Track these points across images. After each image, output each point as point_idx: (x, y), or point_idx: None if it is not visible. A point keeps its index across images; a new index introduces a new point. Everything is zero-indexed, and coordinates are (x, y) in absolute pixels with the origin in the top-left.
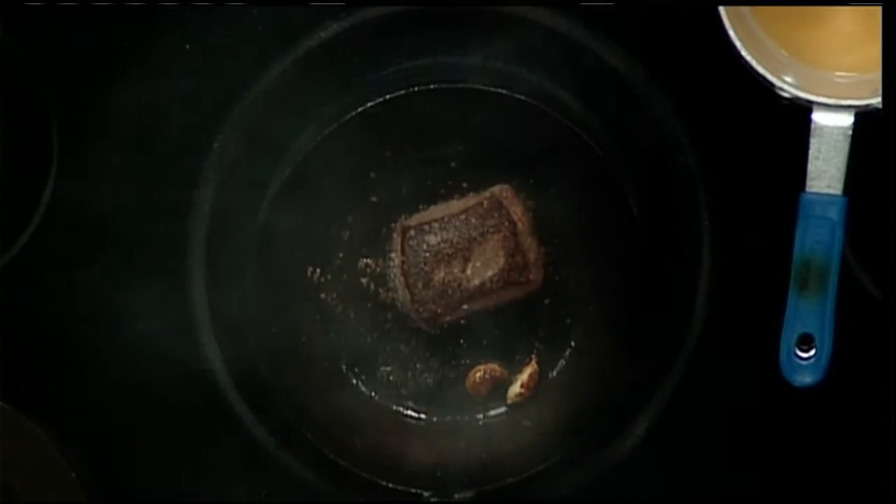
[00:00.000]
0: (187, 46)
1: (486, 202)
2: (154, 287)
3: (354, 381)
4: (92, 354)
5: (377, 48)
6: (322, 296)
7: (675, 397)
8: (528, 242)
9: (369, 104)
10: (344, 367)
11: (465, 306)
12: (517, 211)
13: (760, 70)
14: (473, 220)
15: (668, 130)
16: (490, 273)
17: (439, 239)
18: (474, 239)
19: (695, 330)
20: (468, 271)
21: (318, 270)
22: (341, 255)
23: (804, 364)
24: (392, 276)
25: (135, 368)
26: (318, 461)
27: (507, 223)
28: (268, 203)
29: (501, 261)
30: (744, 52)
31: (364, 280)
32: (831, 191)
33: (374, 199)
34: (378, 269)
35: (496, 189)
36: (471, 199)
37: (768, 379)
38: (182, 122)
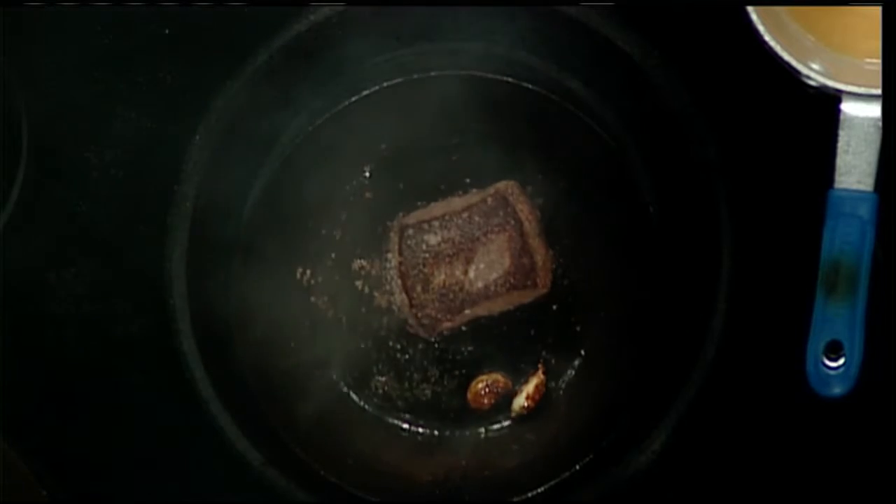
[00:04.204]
0: (166, 31)
1: (490, 199)
2: (132, 290)
3: (346, 392)
4: (65, 363)
5: (372, 32)
6: (312, 300)
7: (692, 410)
8: (536, 243)
9: (363, 93)
10: (335, 376)
11: (466, 311)
12: (524, 209)
13: (785, 56)
14: (476, 218)
15: (685, 122)
16: (494, 276)
17: (439, 238)
18: (477, 239)
19: (714, 337)
20: (471, 274)
21: (308, 272)
22: (333, 255)
23: (832, 374)
24: (388, 278)
25: (111, 377)
26: (308, 478)
27: (512, 222)
28: (253, 200)
29: (506, 262)
30: (767, 37)
31: (358, 283)
32: (861, 187)
33: (368, 195)
34: (373, 271)
35: (501, 185)
36: (474, 196)
37: (794, 390)
38: (160, 113)
